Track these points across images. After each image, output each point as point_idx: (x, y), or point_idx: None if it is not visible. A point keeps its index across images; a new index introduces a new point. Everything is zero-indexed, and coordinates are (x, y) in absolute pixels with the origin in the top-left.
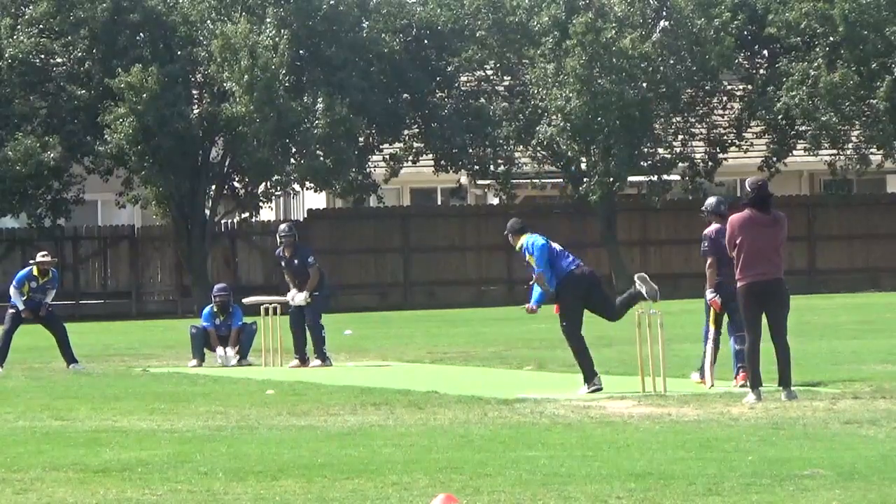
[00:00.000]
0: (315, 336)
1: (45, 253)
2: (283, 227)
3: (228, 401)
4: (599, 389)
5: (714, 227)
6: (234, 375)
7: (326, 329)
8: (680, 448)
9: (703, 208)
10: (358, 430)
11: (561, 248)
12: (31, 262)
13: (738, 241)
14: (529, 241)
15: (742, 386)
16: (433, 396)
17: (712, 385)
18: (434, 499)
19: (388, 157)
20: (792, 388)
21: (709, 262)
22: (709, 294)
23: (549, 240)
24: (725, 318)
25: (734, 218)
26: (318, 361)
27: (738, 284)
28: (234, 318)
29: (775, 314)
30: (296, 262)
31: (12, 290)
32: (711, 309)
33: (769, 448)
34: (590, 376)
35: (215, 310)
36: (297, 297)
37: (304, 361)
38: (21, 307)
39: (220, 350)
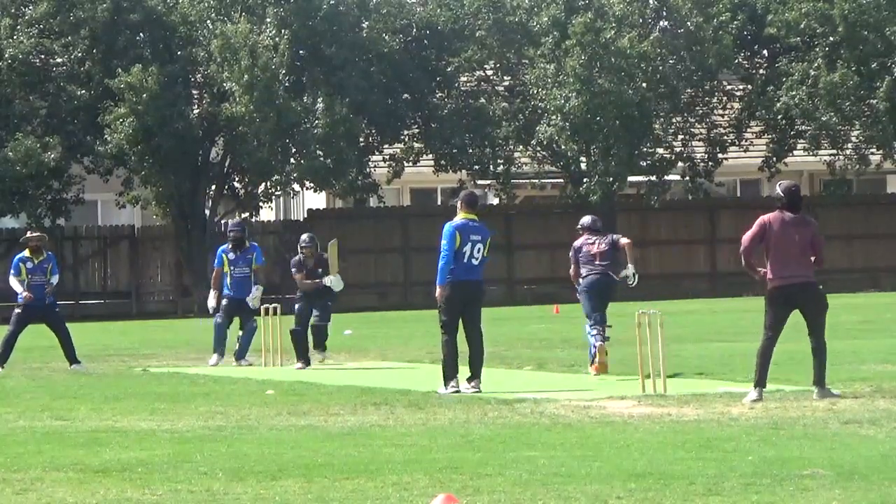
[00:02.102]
0: (322, 336)
1: (35, 229)
2: (304, 237)
3: (228, 401)
4: (458, 391)
5: (583, 238)
6: (234, 375)
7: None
8: (680, 448)
9: (579, 224)
10: (358, 430)
11: (472, 255)
12: (22, 240)
13: (770, 242)
14: (449, 225)
15: (596, 374)
16: (433, 396)
17: (599, 365)
18: (434, 499)
19: (388, 157)
20: (826, 387)
21: (573, 268)
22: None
23: (463, 236)
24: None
25: (764, 219)
26: (322, 355)
27: (769, 286)
28: (254, 253)
29: (811, 316)
30: (320, 270)
31: (11, 279)
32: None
33: (769, 448)
34: (450, 376)
35: (230, 247)
36: (333, 280)
37: (308, 363)
38: (24, 292)
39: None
